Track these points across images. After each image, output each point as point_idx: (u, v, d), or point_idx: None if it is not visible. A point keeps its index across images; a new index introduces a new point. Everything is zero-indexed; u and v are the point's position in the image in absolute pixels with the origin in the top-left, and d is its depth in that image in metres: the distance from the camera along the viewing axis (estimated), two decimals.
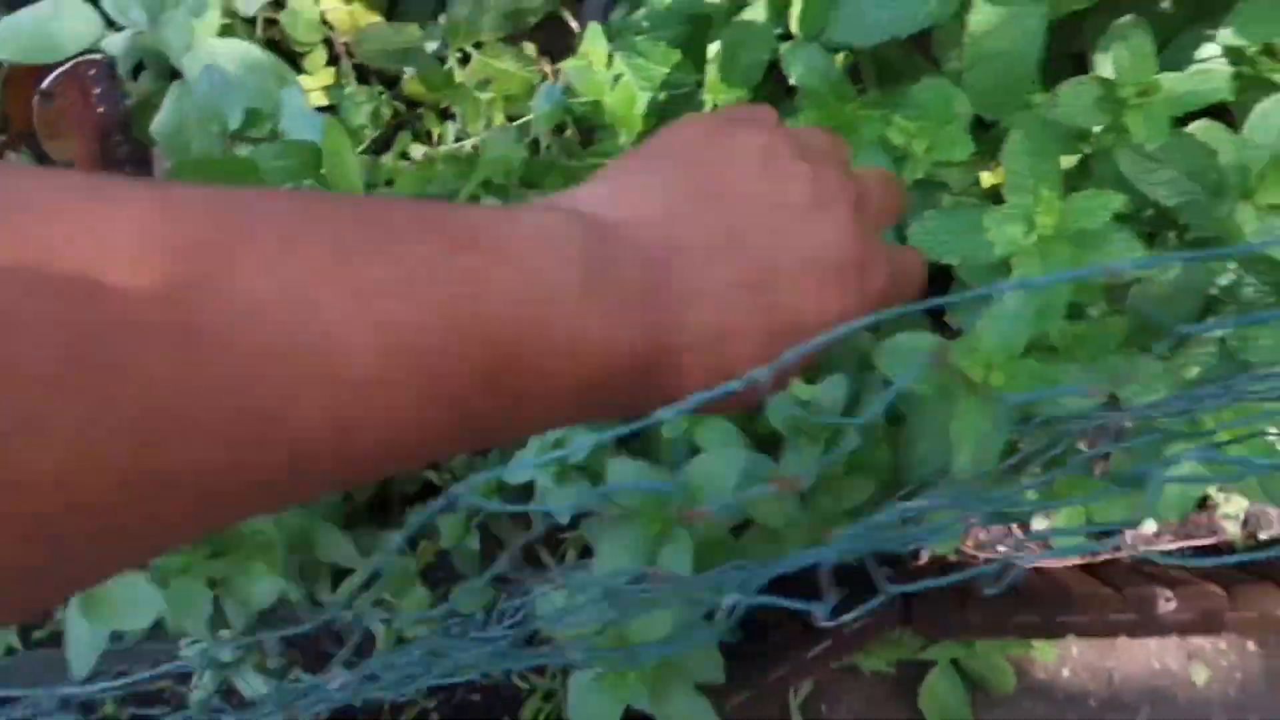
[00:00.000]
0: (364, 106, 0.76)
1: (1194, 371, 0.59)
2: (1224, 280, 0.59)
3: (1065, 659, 1.02)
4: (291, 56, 0.91)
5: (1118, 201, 0.49)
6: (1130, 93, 0.54)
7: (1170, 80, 0.56)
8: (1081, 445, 0.77)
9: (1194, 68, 0.62)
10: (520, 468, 0.60)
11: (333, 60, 0.88)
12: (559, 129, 0.72)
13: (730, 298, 0.26)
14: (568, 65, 0.67)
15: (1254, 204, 0.53)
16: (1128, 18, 0.56)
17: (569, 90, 0.67)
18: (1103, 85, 0.55)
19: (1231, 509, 0.94)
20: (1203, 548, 0.97)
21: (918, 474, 0.59)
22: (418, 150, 0.70)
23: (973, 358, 0.53)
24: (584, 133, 0.74)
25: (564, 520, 0.61)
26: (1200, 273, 0.58)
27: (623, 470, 0.55)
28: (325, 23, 0.88)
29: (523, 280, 0.22)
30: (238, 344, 0.17)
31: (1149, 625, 0.84)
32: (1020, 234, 0.51)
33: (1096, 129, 0.58)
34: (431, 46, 0.85)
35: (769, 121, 0.31)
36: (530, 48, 1.02)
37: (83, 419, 0.15)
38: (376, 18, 0.90)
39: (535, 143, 0.74)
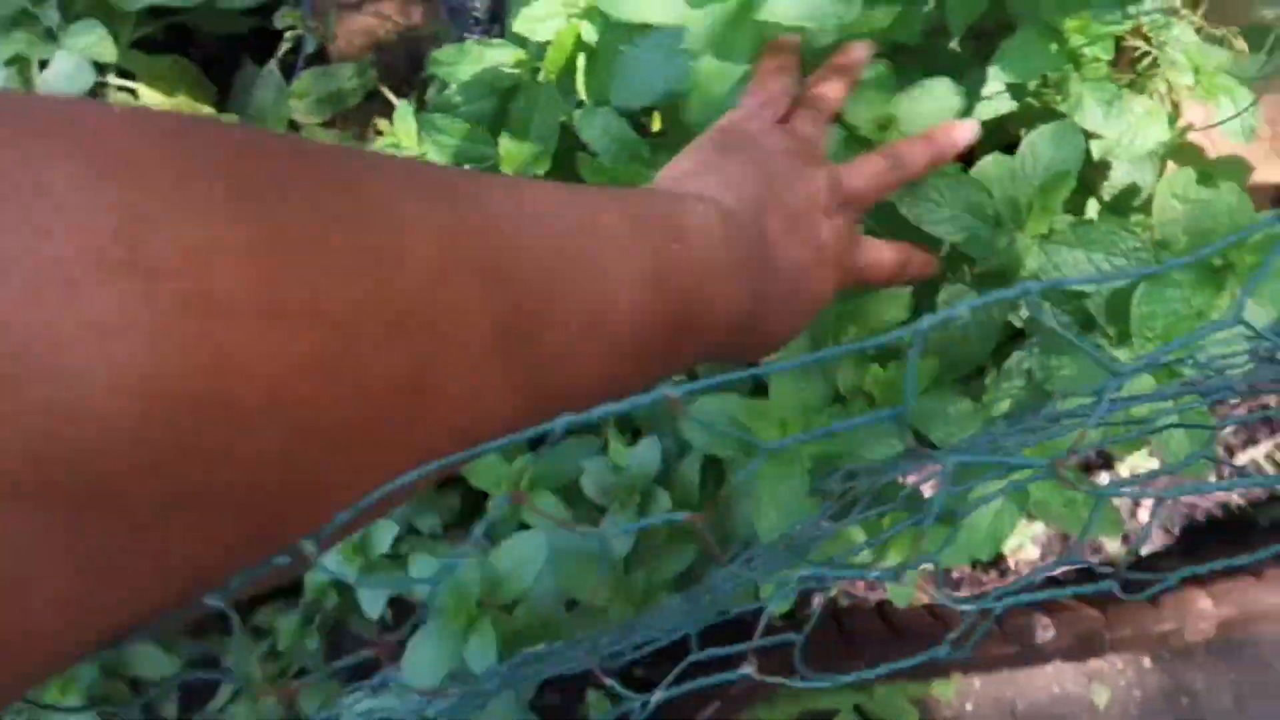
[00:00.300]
0: None
1: (1005, 406, 0.59)
2: (1025, 312, 0.59)
3: (968, 693, 1.00)
4: None
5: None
6: (871, 131, 0.54)
7: (905, 101, 0.56)
8: (925, 490, 0.76)
9: (980, 103, 0.63)
10: (322, 569, 0.57)
11: None
12: None
13: (792, 273, 0.35)
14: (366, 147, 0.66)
15: (1027, 234, 0.54)
16: (878, 64, 0.56)
17: None
18: (845, 128, 0.55)
19: None
20: (1087, 568, 0.96)
21: (739, 536, 0.58)
22: None
23: (766, 417, 0.52)
24: None
25: (374, 615, 0.58)
26: (997, 306, 0.58)
27: (423, 564, 0.53)
28: None
29: (698, 257, 0.29)
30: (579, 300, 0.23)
31: (1030, 656, 0.83)
32: None
33: None
34: None
35: (781, 126, 0.42)
36: (384, 124, 1.01)
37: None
38: (207, 109, 0.89)
39: None
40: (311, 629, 0.69)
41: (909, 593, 0.63)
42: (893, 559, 0.61)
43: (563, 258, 0.23)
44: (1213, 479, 0.94)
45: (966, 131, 0.47)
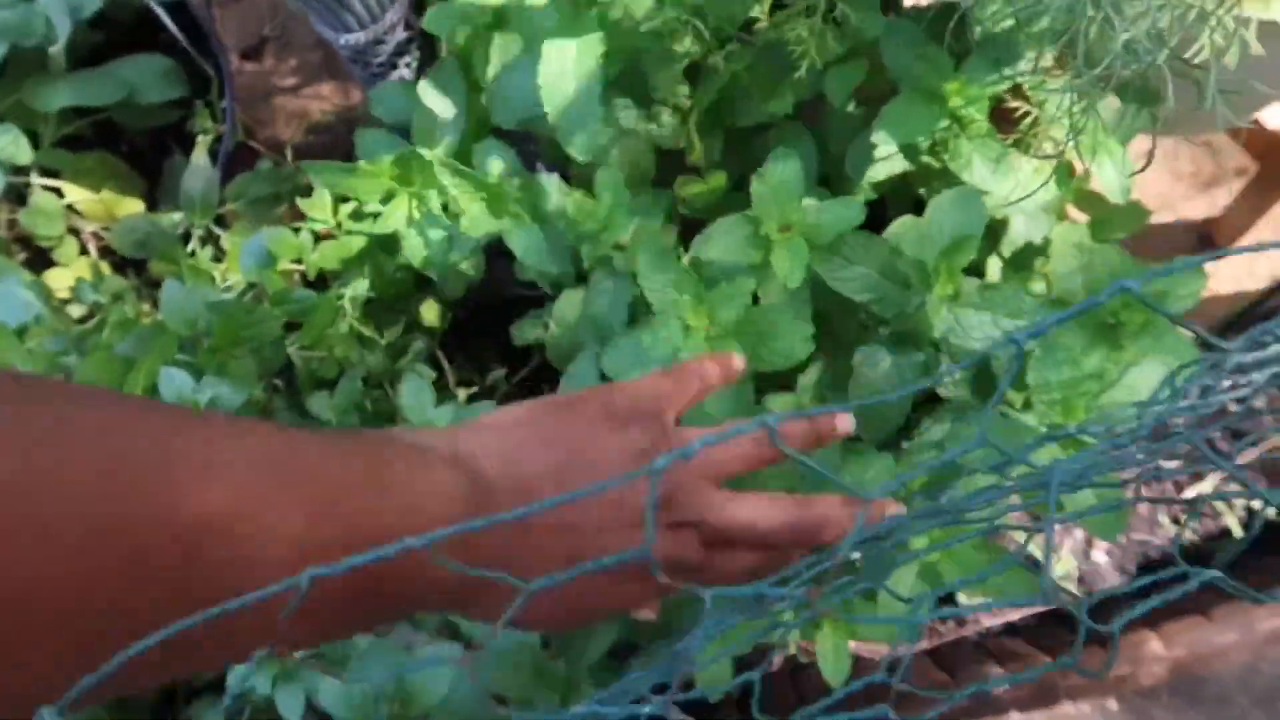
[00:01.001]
0: (100, 292, 0.74)
1: (920, 482, 0.58)
2: (950, 384, 0.58)
3: None
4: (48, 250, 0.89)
5: (748, 285, 0.50)
6: (773, 229, 0.54)
7: (812, 211, 0.56)
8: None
9: (874, 165, 0.63)
10: (235, 676, 0.57)
11: (86, 250, 0.87)
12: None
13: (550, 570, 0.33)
14: (265, 231, 0.67)
15: (936, 295, 0.53)
16: (777, 151, 0.56)
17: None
18: (749, 223, 0.55)
19: (1061, 569, 0.93)
20: (1044, 614, 0.95)
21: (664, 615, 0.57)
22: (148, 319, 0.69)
23: None
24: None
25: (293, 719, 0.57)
26: (909, 372, 0.58)
27: (327, 687, 0.52)
28: (77, 213, 0.87)
29: (410, 525, 0.29)
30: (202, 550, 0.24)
31: (985, 708, 0.81)
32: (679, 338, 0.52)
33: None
34: (183, 228, 0.84)
35: (611, 406, 0.38)
36: (302, 202, 1.02)
37: None
38: (136, 205, 0.89)
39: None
40: None
41: (842, 669, 0.61)
42: (827, 633, 0.60)
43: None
44: (1164, 519, 0.94)
45: None
